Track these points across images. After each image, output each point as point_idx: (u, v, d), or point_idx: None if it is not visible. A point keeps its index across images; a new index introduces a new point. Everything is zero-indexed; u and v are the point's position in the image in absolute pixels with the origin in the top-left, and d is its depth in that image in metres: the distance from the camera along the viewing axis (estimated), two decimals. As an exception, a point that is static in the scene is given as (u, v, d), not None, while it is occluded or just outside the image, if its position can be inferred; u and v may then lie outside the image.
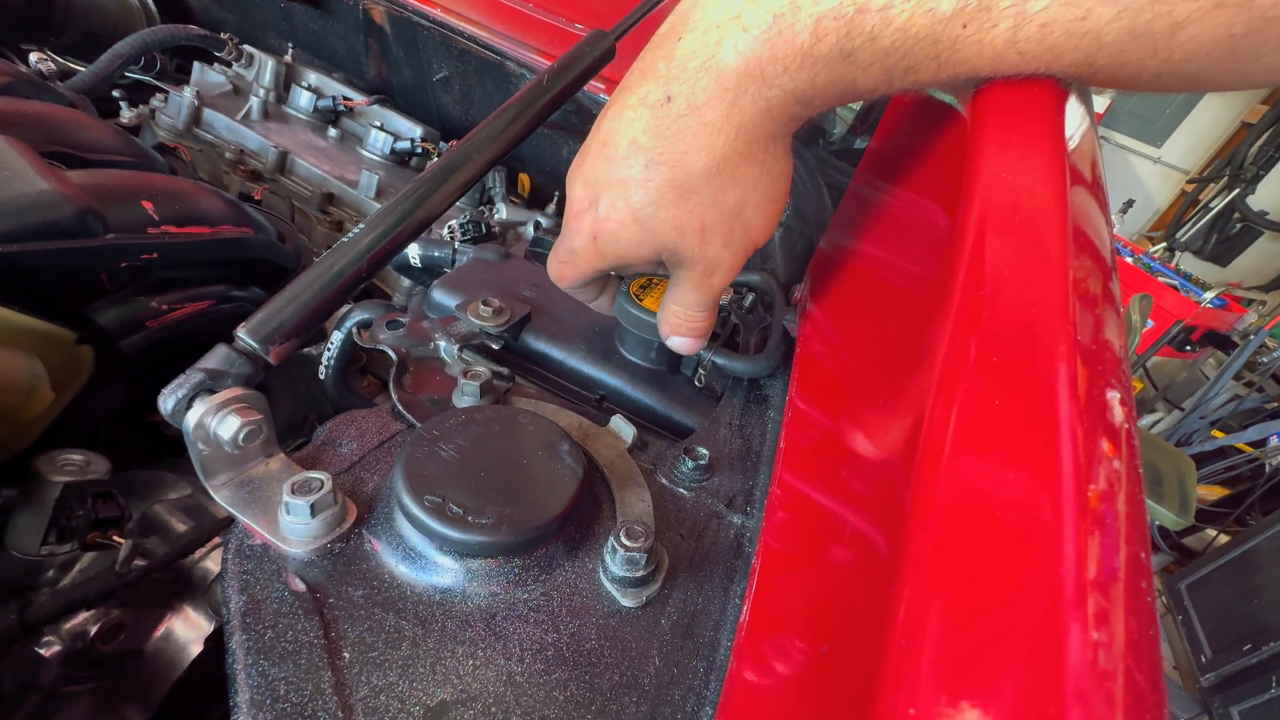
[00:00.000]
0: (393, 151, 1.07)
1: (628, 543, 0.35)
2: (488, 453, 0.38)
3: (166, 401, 0.34)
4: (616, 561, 0.35)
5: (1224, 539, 2.77)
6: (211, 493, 0.35)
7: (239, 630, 0.30)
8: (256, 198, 0.94)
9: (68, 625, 0.49)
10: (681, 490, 0.43)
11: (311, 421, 0.78)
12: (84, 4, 1.11)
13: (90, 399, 0.56)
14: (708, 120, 0.35)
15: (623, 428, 0.46)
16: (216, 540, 0.53)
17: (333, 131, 1.11)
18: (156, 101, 1.04)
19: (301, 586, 0.32)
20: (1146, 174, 4.75)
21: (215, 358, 0.36)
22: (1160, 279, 3.32)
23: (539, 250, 0.87)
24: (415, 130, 1.10)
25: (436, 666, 0.30)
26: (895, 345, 0.37)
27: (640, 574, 0.35)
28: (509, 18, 1.05)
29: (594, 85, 0.91)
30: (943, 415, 0.20)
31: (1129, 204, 4.50)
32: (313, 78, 1.16)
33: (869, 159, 0.61)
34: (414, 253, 0.68)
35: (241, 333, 0.37)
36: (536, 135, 1.17)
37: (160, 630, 0.53)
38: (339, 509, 0.35)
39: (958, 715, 0.14)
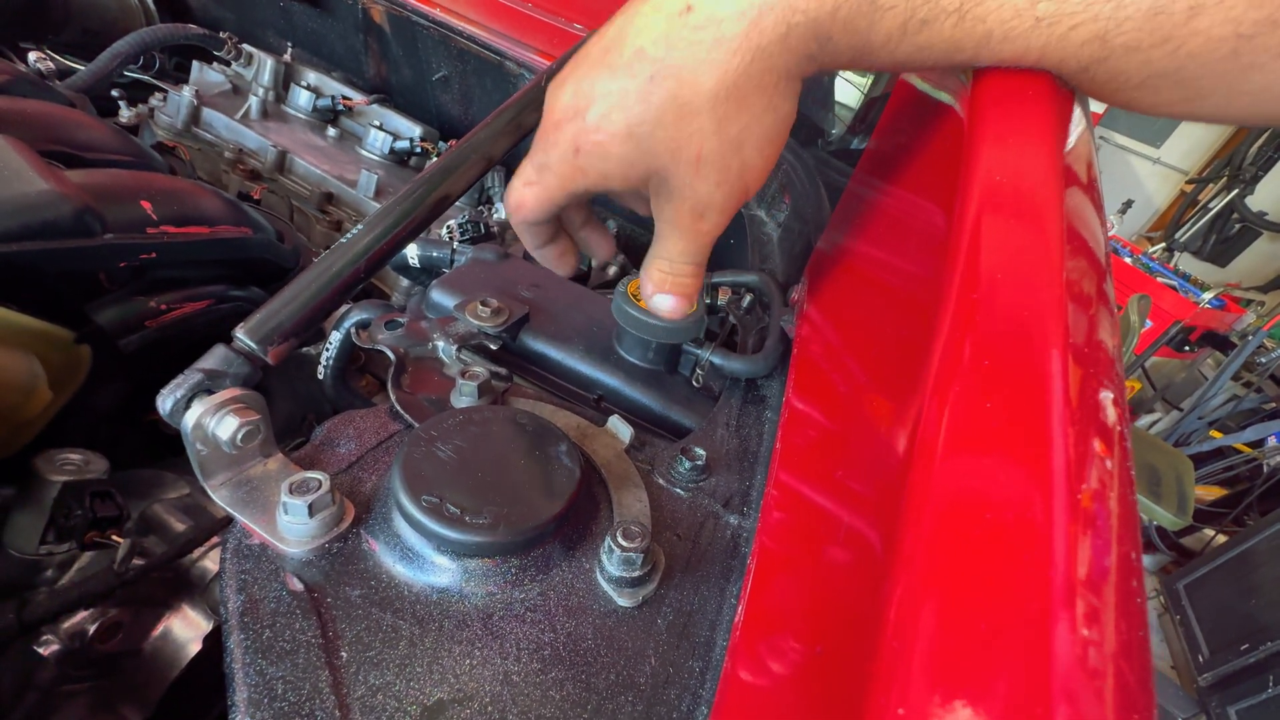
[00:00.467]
0: (392, 151, 1.07)
1: (624, 543, 0.35)
2: (485, 453, 0.38)
3: (165, 402, 0.34)
4: (613, 561, 0.35)
5: (1222, 539, 2.77)
6: (210, 492, 0.36)
7: (237, 629, 0.30)
8: (255, 197, 0.94)
9: (66, 624, 0.49)
10: (679, 490, 0.44)
11: (310, 421, 0.78)
12: (83, 2, 1.11)
13: (89, 398, 0.56)
14: (726, 36, 0.33)
15: (620, 428, 0.46)
16: (215, 540, 0.53)
17: (332, 131, 1.11)
18: (155, 100, 1.04)
19: (299, 586, 0.32)
20: (1146, 174, 4.75)
21: (213, 358, 0.36)
22: (1159, 279, 3.33)
23: (538, 250, 0.87)
24: (414, 130, 1.10)
25: (433, 666, 0.30)
26: (892, 346, 0.37)
27: (637, 574, 0.35)
28: (508, 17, 1.06)
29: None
30: (935, 416, 0.20)
31: (1128, 204, 4.51)
32: (312, 77, 1.16)
33: (867, 159, 0.61)
34: (412, 253, 0.68)
35: (240, 333, 0.37)
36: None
37: (159, 629, 0.53)
38: (337, 509, 0.35)
39: (947, 715, 0.14)
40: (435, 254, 0.68)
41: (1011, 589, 0.16)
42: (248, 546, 0.34)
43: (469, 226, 0.78)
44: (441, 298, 0.58)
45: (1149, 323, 3.15)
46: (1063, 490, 0.18)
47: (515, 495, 0.36)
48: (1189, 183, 4.60)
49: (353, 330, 0.56)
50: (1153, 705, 0.18)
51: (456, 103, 1.20)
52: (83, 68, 0.94)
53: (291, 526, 0.34)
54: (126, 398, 0.62)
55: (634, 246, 1.21)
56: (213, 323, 0.63)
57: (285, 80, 1.14)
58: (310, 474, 0.35)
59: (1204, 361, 3.42)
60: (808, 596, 0.28)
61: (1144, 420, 3.37)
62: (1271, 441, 2.88)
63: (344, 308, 0.59)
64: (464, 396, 0.46)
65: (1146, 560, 2.92)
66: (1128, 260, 3.49)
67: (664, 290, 0.43)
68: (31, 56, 0.93)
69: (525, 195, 0.42)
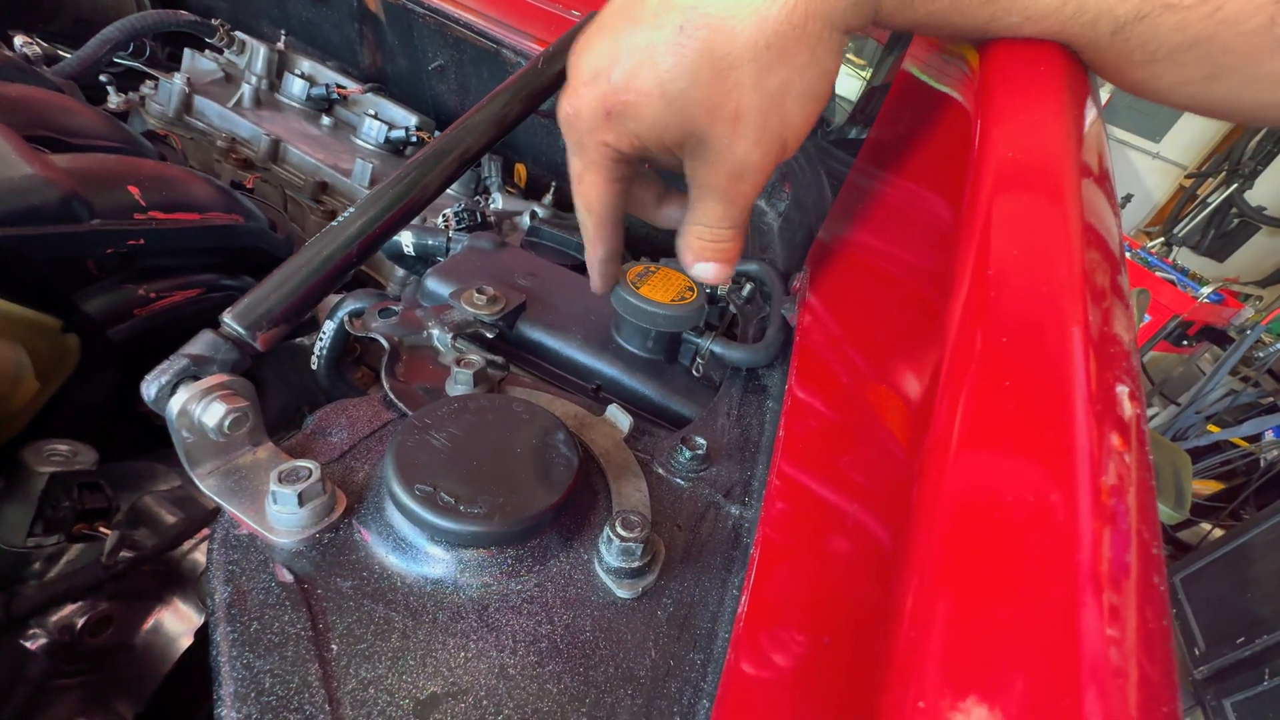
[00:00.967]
0: (387, 140, 1.06)
1: (623, 533, 0.34)
2: (481, 442, 0.37)
3: (149, 388, 0.34)
4: (612, 552, 0.34)
5: (1218, 533, 2.78)
6: (197, 481, 0.35)
7: (224, 621, 0.29)
8: (248, 186, 0.93)
9: (54, 618, 0.48)
10: (678, 480, 0.43)
11: (304, 412, 0.77)
12: (73, -12, 1.09)
13: (78, 388, 0.55)
14: None
15: (619, 417, 0.45)
16: (206, 532, 0.52)
17: (326, 120, 1.10)
18: (147, 88, 1.02)
19: (289, 577, 0.32)
20: (1145, 169, 4.74)
21: (200, 343, 0.35)
22: (1158, 274, 3.33)
23: (535, 240, 0.86)
24: (410, 119, 1.09)
25: (427, 659, 0.30)
26: (895, 334, 0.36)
27: (636, 565, 0.34)
28: (505, 5, 1.04)
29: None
30: (950, 406, 0.19)
31: (1127, 198, 4.50)
32: (306, 65, 1.14)
33: (868, 148, 0.60)
34: (408, 241, 0.67)
35: (227, 318, 0.36)
36: (533, 125, 1.16)
37: (150, 623, 0.53)
38: (328, 498, 0.34)
39: (968, 709, 0.13)
40: (431, 242, 0.67)
41: (1033, 582, 0.15)
42: (236, 537, 0.33)
43: (465, 215, 0.77)
44: (437, 286, 0.57)
45: (1147, 317, 3.14)
46: (1086, 482, 0.17)
47: (511, 484, 0.35)
48: (1188, 177, 4.60)
49: (346, 319, 0.55)
50: (1176, 699, 0.17)
51: (453, 92, 1.19)
52: (71, 54, 0.92)
53: (281, 516, 0.33)
54: (116, 388, 0.61)
55: (632, 238, 1.20)
56: (203, 311, 0.62)
57: (279, 68, 1.12)
58: (300, 463, 0.34)
59: (1202, 356, 3.43)
60: (811, 588, 0.27)
61: (1142, 415, 3.37)
62: (1268, 436, 2.89)
63: (338, 296, 0.58)
64: (459, 385, 0.45)
65: (1143, 554, 2.92)
66: (1127, 254, 3.49)
67: (704, 258, 0.41)
68: (17, 41, 0.91)
69: (586, 190, 0.40)
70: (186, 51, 1.10)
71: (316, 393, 0.78)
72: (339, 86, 1.10)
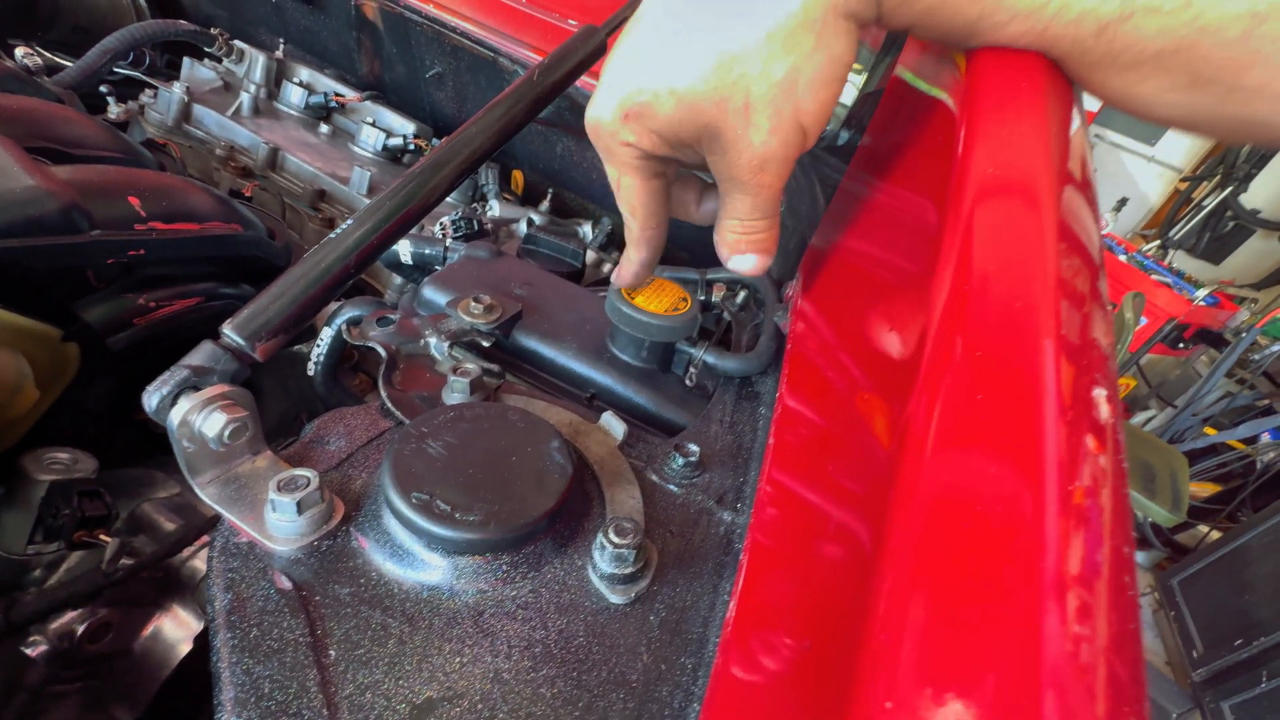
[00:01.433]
0: (385, 148, 1.07)
1: (616, 539, 0.35)
2: (476, 449, 0.37)
3: (150, 398, 0.34)
4: (605, 558, 0.35)
5: (1216, 535, 2.79)
6: (197, 490, 0.35)
7: (224, 628, 0.30)
8: (247, 194, 0.94)
9: (54, 624, 0.48)
10: (672, 487, 0.43)
11: (302, 420, 0.78)
12: (72, -1, 1.10)
13: (77, 397, 0.55)
14: None
15: (613, 425, 0.46)
16: (205, 539, 0.53)
17: (324, 128, 1.10)
18: (146, 97, 1.03)
19: (287, 584, 0.32)
20: (1140, 172, 4.77)
21: (200, 354, 0.36)
22: (1153, 277, 3.34)
23: (532, 247, 0.87)
24: (408, 127, 1.10)
25: (423, 664, 0.30)
26: (886, 342, 0.37)
27: (629, 571, 0.35)
28: (502, 14, 1.05)
29: (586, 81, 0.91)
30: (926, 410, 0.20)
31: (1123, 202, 4.52)
32: (304, 74, 1.15)
33: (861, 155, 0.61)
34: (405, 250, 0.68)
35: (227, 329, 0.37)
36: (529, 132, 1.17)
37: (149, 629, 0.53)
38: (326, 506, 0.35)
39: (935, 708, 0.14)
40: (428, 251, 0.67)
41: (1000, 583, 0.16)
42: (235, 544, 0.34)
43: (462, 224, 0.78)
44: (434, 295, 0.58)
45: (1143, 320, 3.16)
46: (1054, 484, 0.18)
47: (506, 492, 0.35)
48: (1183, 180, 4.62)
49: (344, 327, 0.56)
50: (1144, 698, 0.18)
51: (450, 100, 1.19)
52: (71, 64, 0.93)
53: (280, 524, 0.34)
54: (115, 396, 0.62)
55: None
56: (202, 320, 0.63)
57: (277, 77, 1.13)
58: (299, 471, 0.35)
59: (1198, 359, 3.44)
60: (800, 592, 0.28)
61: (1139, 417, 3.39)
62: (1265, 438, 2.90)
63: (335, 305, 0.59)
64: (455, 393, 0.46)
65: (1141, 557, 2.93)
66: (1122, 258, 3.50)
67: (740, 250, 0.42)
68: (18, 52, 0.92)
69: (627, 194, 0.41)
70: (186, 60, 1.11)
71: (314, 400, 0.79)
72: (337, 95, 1.11)
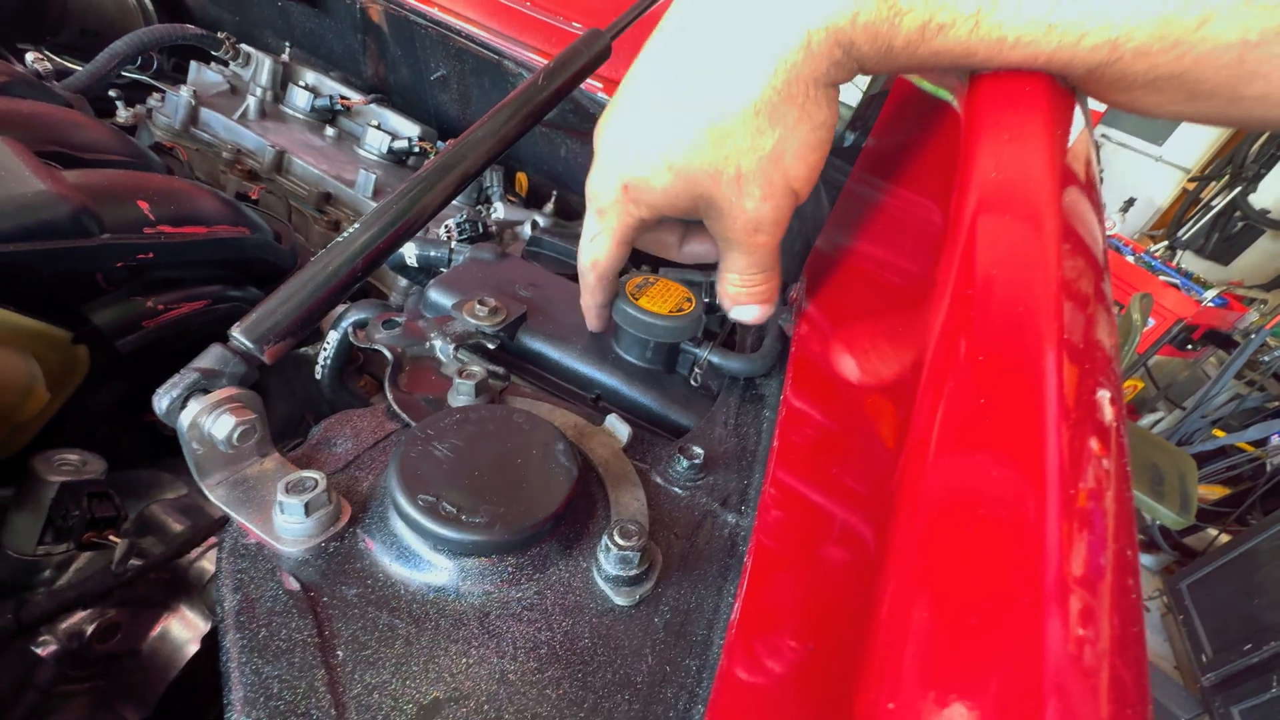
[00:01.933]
0: (390, 151, 1.07)
1: (621, 541, 0.35)
2: (482, 452, 0.38)
3: (161, 401, 0.34)
4: (610, 560, 0.35)
5: (1225, 538, 2.77)
6: (206, 492, 0.35)
7: (233, 629, 0.30)
8: (253, 197, 0.94)
9: (64, 624, 0.49)
10: (676, 489, 0.43)
11: (308, 421, 0.78)
12: (80, 3, 1.11)
13: (86, 399, 0.56)
14: (747, 55, 0.34)
15: (618, 427, 0.46)
16: (213, 540, 0.53)
17: (330, 131, 1.11)
18: (153, 101, 1.04)
19: (295, 585, 0.32)
20: (1147, 172, 4.74)
21: (210, 357, 0.36)
22: (1161, 278, 3.32)
23: (536, 250, 0.87)
24: (413, 129, 1.10)
25: (430, 665, 0.30)
26: (890, 344, 0.37)
27: (634, 573, 0.35)
28: (506, 17, 1.05)
29: (590, 84, 0.91)
30: (929, 413, 0.20)
31: (1130, 203, 4.50)
32: (310, 77, 1.16)
33: (866, 157, 0.61)
34: (410, 252, 0.68)
35: (236, 332, 0.37)
36: (534, 134, 1.17)
37: (157, 630, 0.53)
38: (333, 508, 0.35)
39: (938, 710, 0.14)
40: (433, 253, 0.68)
41: (1003, 585, 0.16)
42: (244, 545, 0.34)
43: (467, 226, 0.78)
44: (439, 297, 0.58)
45: (1151, 321, 3.14)
46: (1056, 487, 0.18)
47: (512, 494, 0.36)
48: (1191, 181, 4.59)
49: (350, 330, 0.56)
50: (1147, 701, 0.18)
51: (455, 102, 1.20)
52: (80, 68, 0.94)
53: (288, 526, 0.34)
54: (124, 398, 0.62)
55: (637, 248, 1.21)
56: (210, 323, 0.63)
57: (283, 80, 1.14)
58: (306, 473, 0.35)
59: (1207, 360, 3.42)
60: (804, 594, 0.28)
61: (1147, 419, 3.37)
62: (1274, 440, 2.87)
63: (341, 307, 0.59)
64: (461, 395, 0.46)
65: (1149, 560, 2.91)
66: (1130, 259, 3.48)
67: (741, 303, 0.44)
68: (29, 57, 0.93)
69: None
70: (193, 64, 1.12)
71: (320, 402, 0.79)
72: (342, 98, 1.12)
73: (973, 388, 0.20)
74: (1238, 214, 4.23)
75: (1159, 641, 2.56)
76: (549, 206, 1.07)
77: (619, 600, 0.35)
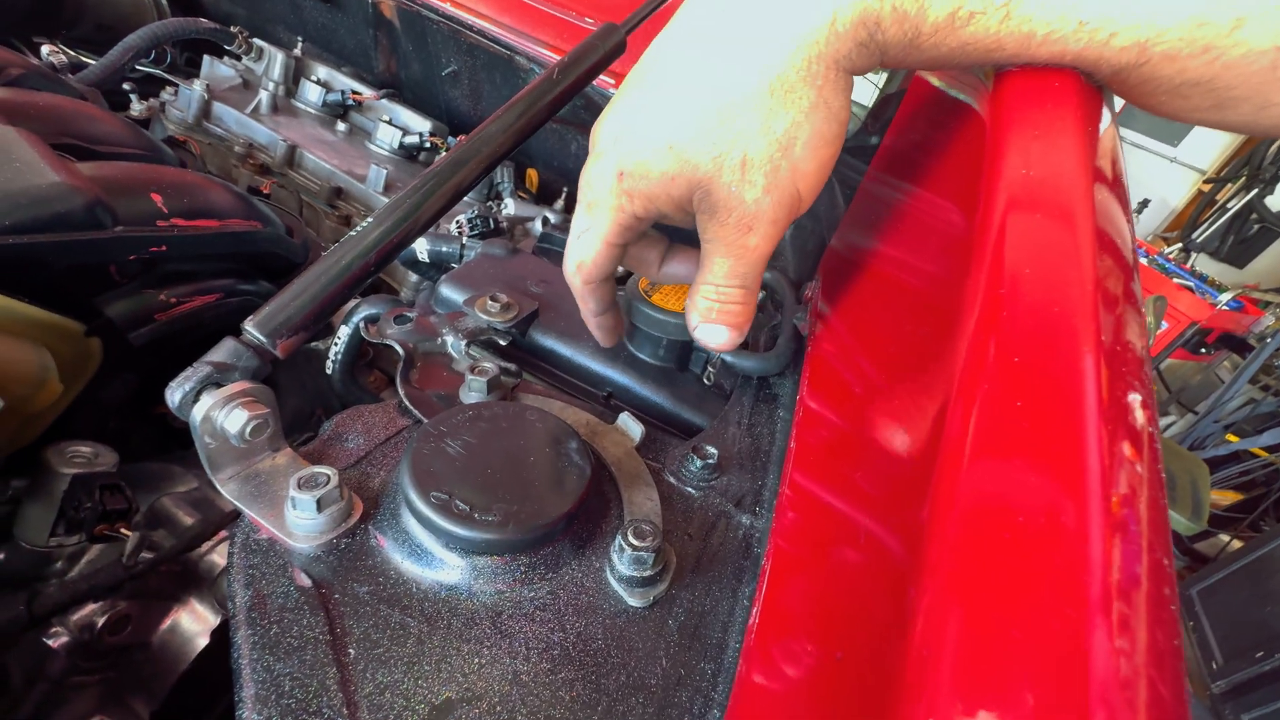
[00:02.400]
0: (401, 146, 1.07)
1: (635, 542, 0.34)
2: (495, 449, 0.37)
3: (173, 394, 0.34)
4: (624, 561, 0.34)
5: (1237, 544, 2.74)
6: (218, 486, 0.35)
7: (244, 625, 0.30)
8: (265, 191, 0.94)
9: (75, 616, 0.49)
10: (690, 490, 0.43)
11: (318, 415, 0.78)
12: (96, -3, 1.11)
13: (98, 391, 0.56)
14: (765, 27, 0.32)
15: (631, 425, 0.46)
16: (223, 534, 0.53)
17: (341, 126, 1.11)
18: (166, 95, 1.04)
19: (307, 582, 0.32)
20: (1162, 173, 4.69)
21: (222, 351, 0.36)
22: (1175, 280, 3.28)
23: (547, 246, 0.87)
24: (424, 125, 1.10)
25: (442, 664, 0.30)
26: (911, 346, 0.36)
27: (648, 574, 0.34)
28: (518, 12, 1.05)
29: (604, 80, 0.90)
30: (963, 418, 0.19)
31: (1144, 204, 4.45)
32: (322, 72, 1.16)
33: (883, 156, 0.60)
34: (422, 248, 0.68)
35: (249, 326, 0.37)
36: (545, 130, 1.16)
37: (167, 622, 0.53)
38: (345, 504, 0.35)
39: (980, 728, 0.14)
40: (444, 249, 0.67)
41: (1044, 597, 0.16)
42: (255, 541, 0.34)
43: (478, 222, 0.78)
44: (451, 293, 0.58)
45: (1165, 324, 3.10)
46: (1097, 495, 0.17)
47: (525, 492, 0.35)
48: (1207, 182, 4.53)
49: (361, 325, 0.56)
50: (1187, 717, 0.17)
51: (466, 98, 1.20)
52: (95, 62, 0.94)
53: (299, 522, 0.34)
54: (135, 391, 0.62)
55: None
56: (221, 316, 0.63)
57: (295, 75, 1.14)
58: (318, 469, 0.35)
59: (1220, 364, 3.38)
60: (824, 600, 0.27)
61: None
62: (1288, 445, 2.84)
63: (352, 302, 0.59)
64: (473, 392, 0.45)
65: (1159, 564, 2.88)
66: (1143, 260, 3.44)
67: (710, 320, 0.39)
68: (44, 50, 0.94)
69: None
70: (206, 58, 1.12)
71: (330, 396, 0.79)
72: (354, 93, 1.12)
73: (1008, 391, 0.19)
74: (1254, 216, 4.18)
75: (1168, 648, 2.53)
76: (560, 203, 1.06)
77: (633, 601, 0.34)
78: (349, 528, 0.35)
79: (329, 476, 0.34)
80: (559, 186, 1.12)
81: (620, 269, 0.97)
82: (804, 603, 0.28)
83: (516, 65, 1.05)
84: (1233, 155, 4.45)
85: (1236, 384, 2.96)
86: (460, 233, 0.77)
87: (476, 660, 0.30)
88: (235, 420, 0.34)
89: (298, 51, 1.14)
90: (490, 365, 0.47)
